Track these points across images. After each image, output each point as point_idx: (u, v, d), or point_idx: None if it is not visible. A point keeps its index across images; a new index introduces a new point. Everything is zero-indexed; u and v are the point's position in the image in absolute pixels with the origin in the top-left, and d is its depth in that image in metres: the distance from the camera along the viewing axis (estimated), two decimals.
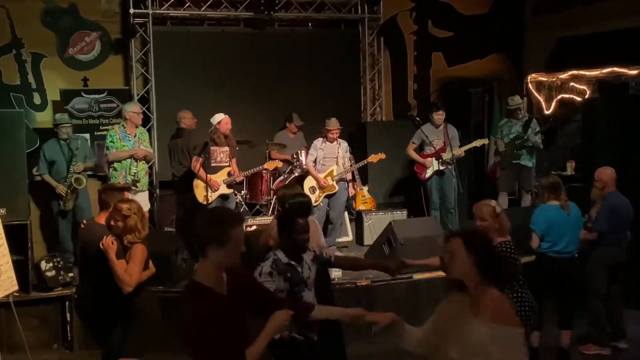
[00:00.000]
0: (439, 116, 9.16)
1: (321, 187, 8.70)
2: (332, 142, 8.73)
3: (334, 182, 8.73)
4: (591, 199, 6.83)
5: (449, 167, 9.02)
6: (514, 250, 5.05)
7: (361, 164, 8.99)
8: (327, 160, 8.76)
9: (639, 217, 6.79)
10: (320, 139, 8.79)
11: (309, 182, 8.75)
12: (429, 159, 9.12)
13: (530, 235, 6.30)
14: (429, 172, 9.15)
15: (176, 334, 5.81)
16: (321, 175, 8.70)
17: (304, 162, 9.08)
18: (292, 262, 4.57)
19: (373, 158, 8.97)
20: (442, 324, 3.46)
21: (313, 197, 8.62)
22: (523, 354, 3.33)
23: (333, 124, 8.70)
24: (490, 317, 3.25)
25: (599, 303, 6.66)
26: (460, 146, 9.20)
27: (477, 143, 9.35)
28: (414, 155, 9.28)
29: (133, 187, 7.98)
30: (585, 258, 6.81)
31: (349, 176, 8.99)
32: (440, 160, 9.02)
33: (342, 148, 8.80)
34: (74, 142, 8.10)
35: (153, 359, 5.17)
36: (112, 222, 4.95)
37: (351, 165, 8.93)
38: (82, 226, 5.66)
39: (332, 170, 8.73)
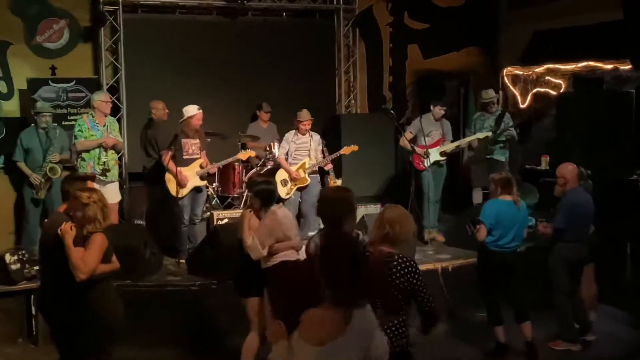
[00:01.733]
0: (439, 110, 9.12)
1: (293, 180, 8.71)
2: (304, 134, 8.75)
3: (306, 175, 8.75)
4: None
5: (444, 160, 9.09)
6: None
7: (334, 156, 8.98)
8: (299, 153, 8.78)
9: (606, 212, 6.86)
10: (293, 132, 8.80)
11: (280, 175, 8.75)
12: (429, 149, 9.00)
13: (478, 227, 6.40)
14: (427, 163, 8.99)
15: (143, 327, 5.83)
16: (293, 168, 8.71)
17: (276, 155, 9.07)
18: None
19: (345, 150, 8.97)
20: None
21: (285, 190, 8.64)
22: None
23: (304, 115, 8.72)
24: None
25: (564, 299, 6.74)
26: (452, 141, 9.24)
27: (480, 135, 9.25)
28: (408, 144, 9.14)
29: (102, 177, 7.92)
30: (546, 254, 6.90)
31: (329, 166, 8.94)
32: (437, 153, 9.03)
33: (314, 140, 8.82)
34: (52, 131, 8.03)
35: (118, 356, 5.12)
36: (71, 212, 4.80)
37: (324, 157, 8.92)
38: (47, 219, 5.59)
39: (305, 163, 8.74)
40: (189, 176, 8.06)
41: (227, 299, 6.63)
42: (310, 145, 8.78)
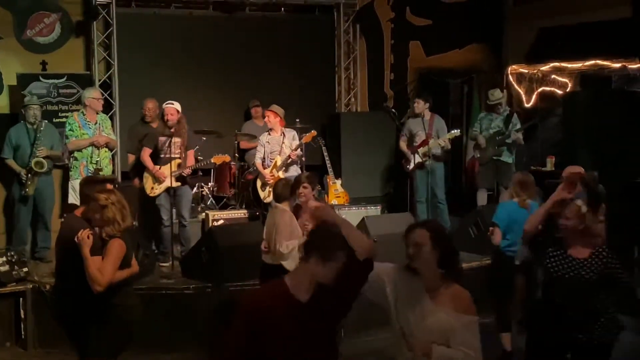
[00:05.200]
0: (416, 104, 9.13)
1: (270, 183, 8.46)
2: (273, 130, 8.52)
3: (279, 173, 8.50)
4: None
5: (428, 161, 9.05)
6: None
7: (297, 145, 8.62)
8: (274, 154, 8.58)
9: (614, 216, 6.84)
10: (265, 134, 8.63)
11: (261, 178, 8.65)
12: (416, 150, 9.12)
13: (492, 230, 6.35)
14: (411, 165, 9.17)
15: (135, 331, 5.85)
16: (268, 171, 8.56)
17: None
18: None
19: (306, 138, 8.69)
20: (400, 305, 3.63)
21: (264, 194, 8.51)
22: (478, 340, 3.55)
23: (272, 107, 8.61)
24: (452, 307, 3.52)
25: None
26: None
27: (450, 136, 9.19)
28: (402, 147, 9.33)
29: None
30: None
31: (293, 154, 8.54)
32: (419, 154, 9.04)
33: (287, 137, 8.53)
34: (40, 125, 7.98)
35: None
36: (90, 214, 4.89)
37: (295, 149, 8.57)
38: (63, 219, 5.62)
39: (276, 162, 8.54)
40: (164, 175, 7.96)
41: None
42: (283, 142, 8.57)
